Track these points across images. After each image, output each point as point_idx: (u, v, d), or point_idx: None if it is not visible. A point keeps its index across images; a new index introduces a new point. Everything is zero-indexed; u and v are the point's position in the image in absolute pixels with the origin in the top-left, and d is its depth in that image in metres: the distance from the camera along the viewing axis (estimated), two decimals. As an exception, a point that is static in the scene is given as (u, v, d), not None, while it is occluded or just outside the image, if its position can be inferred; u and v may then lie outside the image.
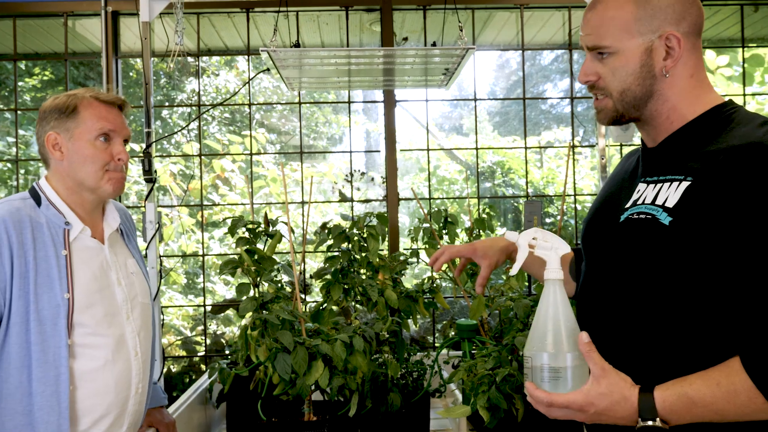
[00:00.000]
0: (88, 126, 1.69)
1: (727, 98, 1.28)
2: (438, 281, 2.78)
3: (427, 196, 4.14)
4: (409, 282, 5.51)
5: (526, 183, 4.18)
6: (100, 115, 1.71)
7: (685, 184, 1.15)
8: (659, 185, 1.21)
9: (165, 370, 2.92)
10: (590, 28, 1.27)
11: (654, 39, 1.22)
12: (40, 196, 1.68)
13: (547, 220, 6.71)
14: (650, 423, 1.09)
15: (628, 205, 1.26)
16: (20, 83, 6.31)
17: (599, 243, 1.32)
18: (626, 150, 4.16)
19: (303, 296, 2.96)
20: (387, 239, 3.56)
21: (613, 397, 1.11)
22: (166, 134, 6.43)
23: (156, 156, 2.99)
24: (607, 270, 1.28)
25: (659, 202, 1.18)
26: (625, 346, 1.21)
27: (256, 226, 2.22)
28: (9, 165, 5.95)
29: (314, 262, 5.89)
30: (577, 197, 4.11)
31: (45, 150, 1.71)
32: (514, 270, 1.37)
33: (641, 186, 1.27)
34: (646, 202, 1.21)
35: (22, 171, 5.94)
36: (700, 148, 1.19)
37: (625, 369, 1.16)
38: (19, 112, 3.93)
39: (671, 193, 1.17)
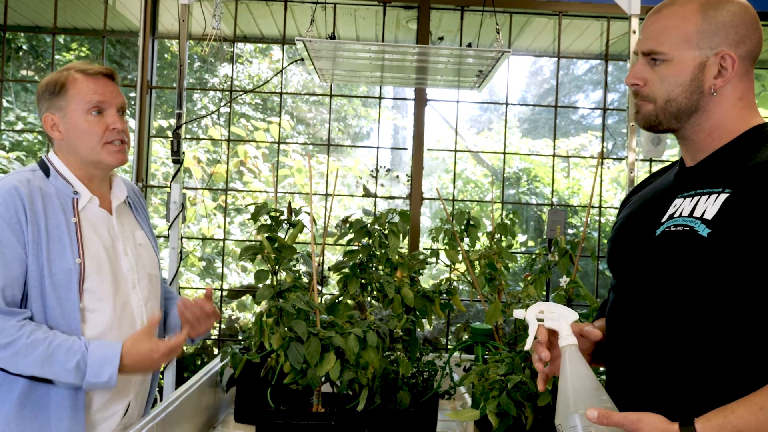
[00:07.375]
0: (78, 101, 1.72)
1: None
2: (455, 283, 2.76)
3: (451, 197, 4.13)
4: (426, 282, 5.50)
5: (552, 191, 4.14)
6: (88, 88, 1.73)
7: (723, 196, 1.13)
8: (696, 198, 1.19)
9: (178, 350, 2.93)
10: (650, 33, 1.26)
11: (710, 55, 1.21)
12: (48, 168, 1.73)
13: (570, 231, 6.65)
14: None
15: (664, 219, 1.23)
16: (57, 56, 6.39)
17: (633, 258, 1.29)
18: (655, 165, 4.10)
19: (320, 288, 2.97)
20: (408, 237, 3.55)
21: None
22: (197, 117, 6.47)
23: (185, 138, 3.01)
24: (643, 285, 1.25)
25: (697, 214, 1.15)
26: (661, 365, 1.17)
27: (279, 214, 2.22)
28: (40, 137, 6.03)
29: (333, 255, 5.90)
30: (601, 209, 4.06)
31: (46, 131, 1.77)
32: (527, 346, 1.33)
33: (678, 201, 1.24)
34: (683, 214, 1.18)
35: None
36: (738, 163, 1.17)
37: (661, 390, 1.13)
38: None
39: (709, 205, 1.14)
